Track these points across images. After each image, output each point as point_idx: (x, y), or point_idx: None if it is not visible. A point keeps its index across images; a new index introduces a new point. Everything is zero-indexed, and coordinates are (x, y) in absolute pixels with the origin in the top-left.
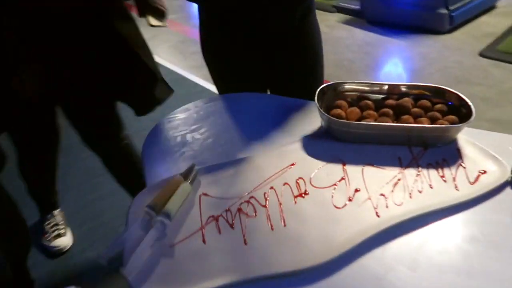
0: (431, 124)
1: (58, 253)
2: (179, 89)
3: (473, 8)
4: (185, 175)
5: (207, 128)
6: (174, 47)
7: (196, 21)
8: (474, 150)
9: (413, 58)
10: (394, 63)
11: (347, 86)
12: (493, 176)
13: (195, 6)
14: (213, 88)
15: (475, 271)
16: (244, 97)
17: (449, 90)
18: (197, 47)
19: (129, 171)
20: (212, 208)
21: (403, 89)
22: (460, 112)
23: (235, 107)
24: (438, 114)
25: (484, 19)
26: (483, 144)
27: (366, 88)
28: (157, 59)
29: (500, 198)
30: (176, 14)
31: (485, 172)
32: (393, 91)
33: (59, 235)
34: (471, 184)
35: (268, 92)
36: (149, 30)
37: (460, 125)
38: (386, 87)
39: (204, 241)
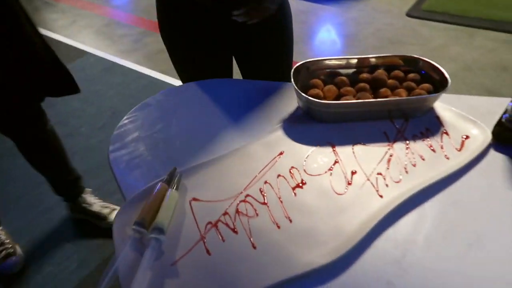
0: (408, 94)
1: (12, 273)
2: (114, 77)
3: None
4: (168, 181)
5: (176, 124)
6: (99, 31)
7: (117, 1)
8: (452, 115)
9: (347, 23)
10: (329, 30)
11: (318, 64)
12: (477, 140)
13: None
14: (151, 73)
15: (484, 239)
16: (209, 84)
17: (420, 58)
18: (125, 30)
19: (53, 155)
20: (208, 213)
21: (373, 61)
22: (433, 79)
23: (202, 97)
24: (413, 84)
25: None
26: (457, 109)
27: (337, 63)
28: (82, 46)
29: (486, 161)
30: None
31: (468, 137)
32: (363, 64)
33: (8, 255)
34: (458, 151)
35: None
36: (68, 15)
37: (439, 93)
38: (355, 60)
39: (208, 252)
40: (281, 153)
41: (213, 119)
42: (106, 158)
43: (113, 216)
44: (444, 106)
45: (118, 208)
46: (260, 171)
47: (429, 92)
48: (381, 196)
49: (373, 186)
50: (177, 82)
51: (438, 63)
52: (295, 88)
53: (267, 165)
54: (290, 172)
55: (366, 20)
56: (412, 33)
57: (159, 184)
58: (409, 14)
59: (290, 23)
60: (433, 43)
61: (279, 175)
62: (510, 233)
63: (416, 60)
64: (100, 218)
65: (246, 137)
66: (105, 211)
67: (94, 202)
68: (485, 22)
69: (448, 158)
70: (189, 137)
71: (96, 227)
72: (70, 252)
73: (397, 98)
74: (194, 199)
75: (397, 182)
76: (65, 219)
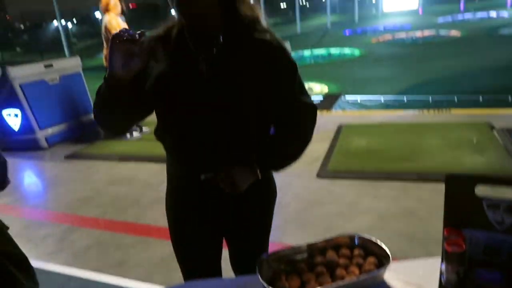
0: (359, 269)
1: None
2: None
3: None
4: None
5: None
6: (19, 235)
7: (35, 200)
8: (400, 284)
9: None
10: None
11: (277, 255)
12: None
13: (29, 184)
14: (82, 273)
15: None
16: None
17: (360, 236)
18: (47, 230)
19: None
20: None
21: (321, 245)
22: (375, 252)
23: None
24: (361, 260)
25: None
26: (400, 274)
27: (292, 252)
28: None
29: None
30: (8, 197)
31: None
32: (314, 248)
33: None
34: None
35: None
36: None
37: (387, 266)
38: (306, 247)
39: None
40: None
41: None
42: None
43: None
44: (390, 275)
45: None
46: None
47: (375, 264)
48: None
49: None
50: (111, 279)
51: (356, 217)
52: (264, 286)
53: None
54: None
55: (284, 185)
56: (326, 192)
57: None
58: (319, 175)
59: (273, 204)
60: (346, 199)
61: None
62: None
63: (353, 237)
64: None
65: None
66: None
67: None
68: (382, 174)
69: None
70: None
71: None
72: None
73: (354, 278)
74: None
75: None
76: None
